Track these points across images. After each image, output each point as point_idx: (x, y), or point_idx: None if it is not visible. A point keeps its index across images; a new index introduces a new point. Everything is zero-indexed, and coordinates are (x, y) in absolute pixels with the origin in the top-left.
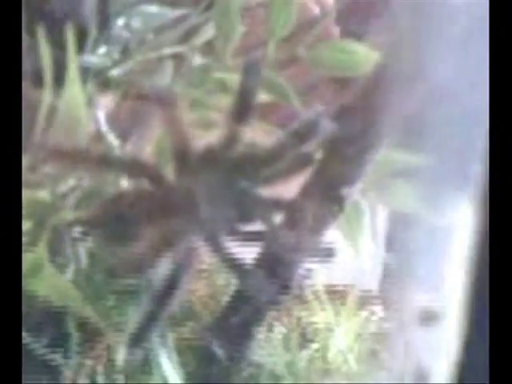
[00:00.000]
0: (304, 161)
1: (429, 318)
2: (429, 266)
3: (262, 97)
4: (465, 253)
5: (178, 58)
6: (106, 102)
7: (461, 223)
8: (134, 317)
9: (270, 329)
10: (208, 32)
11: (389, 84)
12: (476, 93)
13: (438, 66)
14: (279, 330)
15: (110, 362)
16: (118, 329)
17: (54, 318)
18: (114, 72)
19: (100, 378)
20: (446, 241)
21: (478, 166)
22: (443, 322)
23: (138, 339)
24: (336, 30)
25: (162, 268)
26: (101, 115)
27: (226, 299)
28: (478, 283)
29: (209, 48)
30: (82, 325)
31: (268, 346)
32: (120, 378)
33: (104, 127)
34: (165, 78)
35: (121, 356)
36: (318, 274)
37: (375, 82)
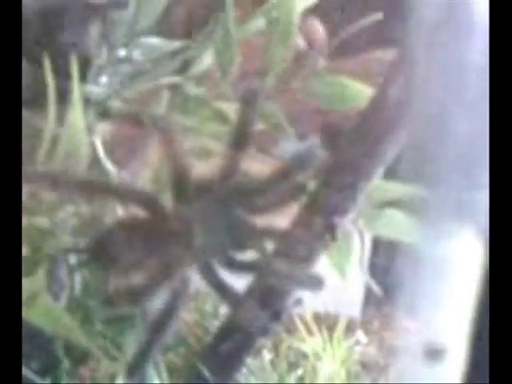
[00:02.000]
0: (297, 191)
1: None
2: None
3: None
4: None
5: (175, 88)
6: (105, 131)
7: (457, 254)
8: (130, 346)
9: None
10: (204, 63)
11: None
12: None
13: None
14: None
15: None
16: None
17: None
18: (114, 102)
19: None
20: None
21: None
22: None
23: (134, 368)
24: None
25: (158, 297)
26: (99, 144)
27: (216, 327)
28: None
29: (206, 78)
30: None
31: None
32: None
33: (102, 155)
34: (162, 107)
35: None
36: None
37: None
